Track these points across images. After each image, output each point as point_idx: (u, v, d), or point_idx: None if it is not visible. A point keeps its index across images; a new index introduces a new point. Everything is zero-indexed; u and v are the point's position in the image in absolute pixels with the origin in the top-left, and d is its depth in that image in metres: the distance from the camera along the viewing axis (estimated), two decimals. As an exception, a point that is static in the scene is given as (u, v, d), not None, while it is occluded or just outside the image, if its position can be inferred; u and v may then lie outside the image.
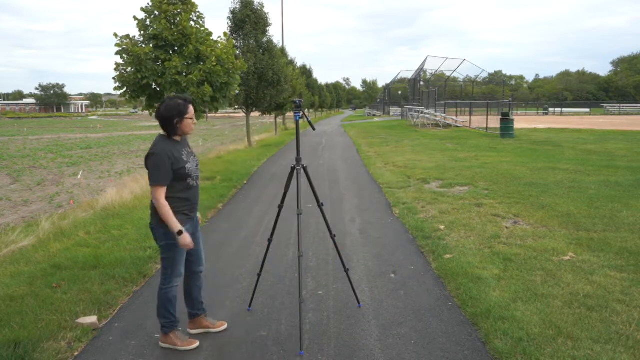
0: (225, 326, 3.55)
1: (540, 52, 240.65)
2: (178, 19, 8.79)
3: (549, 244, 5.24)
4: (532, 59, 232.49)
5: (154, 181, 3.04)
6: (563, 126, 28.30)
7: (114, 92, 11.47)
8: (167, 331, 3.28)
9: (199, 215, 3.43)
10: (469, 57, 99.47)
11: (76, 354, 3.25)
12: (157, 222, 3.13)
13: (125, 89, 8.72)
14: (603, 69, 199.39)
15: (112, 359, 3.18)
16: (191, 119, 3.14)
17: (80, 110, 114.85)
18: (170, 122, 3.09)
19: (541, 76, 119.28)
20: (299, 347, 3.25)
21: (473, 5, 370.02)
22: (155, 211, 3.12)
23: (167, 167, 3.05)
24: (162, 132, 3.18)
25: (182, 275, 3.29)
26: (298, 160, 3.56)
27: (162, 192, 3.04)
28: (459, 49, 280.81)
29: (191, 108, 3.14)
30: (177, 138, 3.19)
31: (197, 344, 3.32)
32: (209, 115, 54.59)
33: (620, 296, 3.87)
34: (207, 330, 3.51)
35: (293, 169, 3.57)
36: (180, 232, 3.03)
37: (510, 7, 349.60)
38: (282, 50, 25.30)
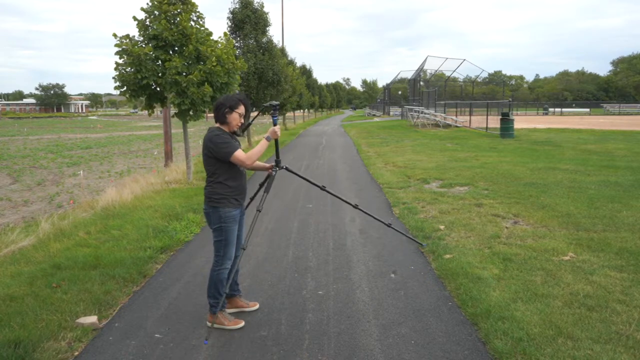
0: (257, 306, 3.81)
1: (539, 52, 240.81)
2: (178, 19, 8.79)
3: (549, 244, 5.24)
4: (531, 59, 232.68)
5: (228, 151, 3.37)
6: (563, 126, 28.30)
7: (114, 92, 11.48)
8: (216, 311, 3.45)
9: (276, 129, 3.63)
10: (467, 57, 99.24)
11: (76, 354, 3.25)
12: (211, 207, 3.46)
13: (125, 88, 8.72)
14: (602, 69, 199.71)
15: (112, 359, 3.18)
16: (239, 114, 3.48)
17: (80, 110, 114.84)
18: (222, 109, 3.45)
19: (541, 76, 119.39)
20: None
21: (469, 7, 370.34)
22: (209, 197, 3.47)
23: (228, 139, 3.41)
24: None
25: (232, 258, 3.58)
26: (277, 162, 3.81)
27: (240, 153, 3.41)
28: (457, 49, 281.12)
29: (242, 107, 3.49)
30: (225, 128, 3.50)
31: (242, 323, 3.60)
32: (209, 115, 54.62)
33: (620, 296, 3.87)
34: (242, 309, 3.82)
35: (268, 176, 3.79)
36: (267, 138, 3.52)
37: (506, 8, 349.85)
38: (282, 51, 25.29)
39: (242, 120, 3.56)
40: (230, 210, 3.47)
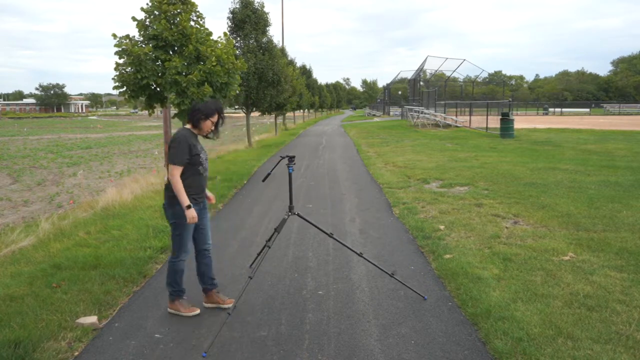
0: (233, 304, 3.67)
1: (539, 52, 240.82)
2: (178, 19, 8.78)
3: (549, 244, 5.24)
4: (531, 59, 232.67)
5: (172, 160, 3.59)
6: (563, 126, 28.31)
7: (114, 92, 11.46)
8: (173, 298, 3.80)
9: (210, 195, 3.94)
10: (467, 57, 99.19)
11: (76, 354, 3.25)
12: (169, 202, 3.65)
13: (125, 88, 8.71)
14: (602, 69, 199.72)
15: (112, 359, 3.18)
16: (212, 122, 3.72)
17: (80, 110, 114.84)
18: (197, 115, 3.67)
19: (541, 76, 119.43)
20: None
21: (469, 7, 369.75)
22: (167, 192, 3.66)
23: (184, 151, 3.61)
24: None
25: (189, 252, 3.79)
26: (290, 207, 4.02)
27: (178, 171, 3.60)
28: (457, 49, 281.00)
29: (216, 116, 3.72)
30: (196, 132, 3.74)
31: (198, 311, 3.80)
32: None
33: (620, 296, 3.87)
34: (218, 305, 3.91)
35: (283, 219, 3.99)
36: (188, 207, 3.56)
37: (506, 9, 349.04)
38: (282, 51, 25.28)
39: (214, 128, 3.79)
40: (192, 205, 3.63)
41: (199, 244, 3.86)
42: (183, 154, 3.60)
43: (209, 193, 3.94)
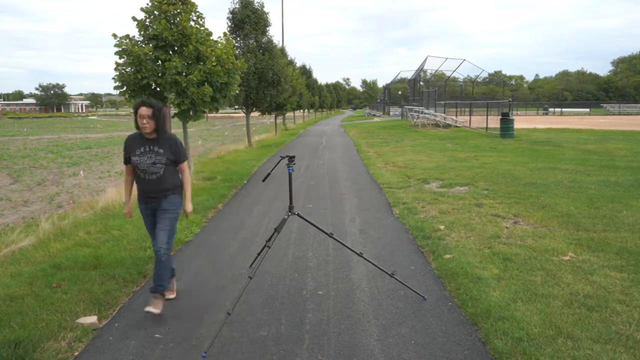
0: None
1: (539, 52, 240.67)
2: (178, 19, 8.78)
3: (549, 244, 5.24)
4: (531, 59, 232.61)
5: (124, 158, 3.89)
6: (563, 126, 28.30)
7: (114, 92, 11.47)
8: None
9: (187, 208, 3.98)
10: (467, 57, 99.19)
11: (76, 354, 3.25)
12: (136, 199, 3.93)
13: (125, 88, 8.71)
14: (602, 69, 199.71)
15: (112, 359, 3.18)
16: (140, 117, 3.69)
17: (80, 111, 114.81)
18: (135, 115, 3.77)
19: (541, 76, 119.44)
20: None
21: (469, 7, 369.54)
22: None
23: (124, 151, 3.88)
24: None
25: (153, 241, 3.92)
26: (290, 207, 4.08)
27: (125, 169, 3.96)
28: (457, 49, 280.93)
29: (142, 109, 3.68)
30: (144, 132, 3.76)
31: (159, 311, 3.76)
32: (209, 115, 54.60)
33: (620, 296, 3.87)
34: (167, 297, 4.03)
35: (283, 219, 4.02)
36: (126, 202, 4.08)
37: (506, 9, 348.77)
38: (282, 51, 25.28)
39: (147, 123, 3.70)
40: (139, 203, 3.96)
41: (153, 242, 3.95)
42: (126, 149, 3.85)
43: (188, 204, 3.95)
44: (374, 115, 65.18)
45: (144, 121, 3.69)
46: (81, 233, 6.02)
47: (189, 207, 3.97)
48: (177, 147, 3.86)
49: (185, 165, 3.95)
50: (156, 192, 3.85)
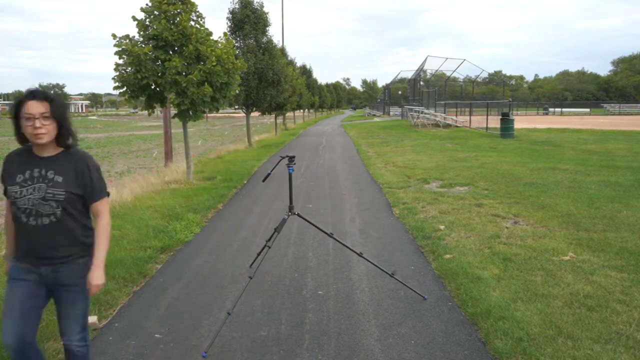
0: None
1: (539, 52, 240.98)
2: (178, 19, 8.79)
3: (549, 244, 5.24)
4: (531, 59, 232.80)
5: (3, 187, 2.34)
6: (563, 126, 28.30)
7: (114, 92, 11.46)
8: None
9: (92, 279, 2.36)
10: (467, 57, 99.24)
11: (76, 354, 3.24)
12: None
13: (125, 88, 8.71)
14: (602, 69, 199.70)
15: (112, 359, 3.17)
16: (29, 118, 2.16)
17: (80, 111, 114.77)
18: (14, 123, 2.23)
19: (541, 76, 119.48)
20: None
21: (469, 7, 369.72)
22: None
23: (0, 177, 2.36)
24: None
25: (7, 338, 2.25)
26: (290, 207, 4.09)
27: (6, 205, 2.39)
28: (457, 49, 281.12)
29: (29, 105, 2.16)
30: (35, 148, 2.30)
31: None
32: (209, 115, 54.61)
33: (620, 296, 3.87)
34: None
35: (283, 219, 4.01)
36: (5, 257, 2.40)
37: (506, 9, 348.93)
38: (282, 50, 25.28)
39: (41, 127, 2.19)
40: (17, 261, 2.39)
41: (60, 330, 2.47)
42: (1, 179, 2.35)
43: (95, 272, 2.36)
44: (374, 115, 65.18)
45: (37, 125, 2.16)
46: (81, 233, 6.01)
47: (95, 278, 2.35)
48: (90, 174, 2.36)
49: (102, 206, 2.54)
50: (49, 251, 2.30)
